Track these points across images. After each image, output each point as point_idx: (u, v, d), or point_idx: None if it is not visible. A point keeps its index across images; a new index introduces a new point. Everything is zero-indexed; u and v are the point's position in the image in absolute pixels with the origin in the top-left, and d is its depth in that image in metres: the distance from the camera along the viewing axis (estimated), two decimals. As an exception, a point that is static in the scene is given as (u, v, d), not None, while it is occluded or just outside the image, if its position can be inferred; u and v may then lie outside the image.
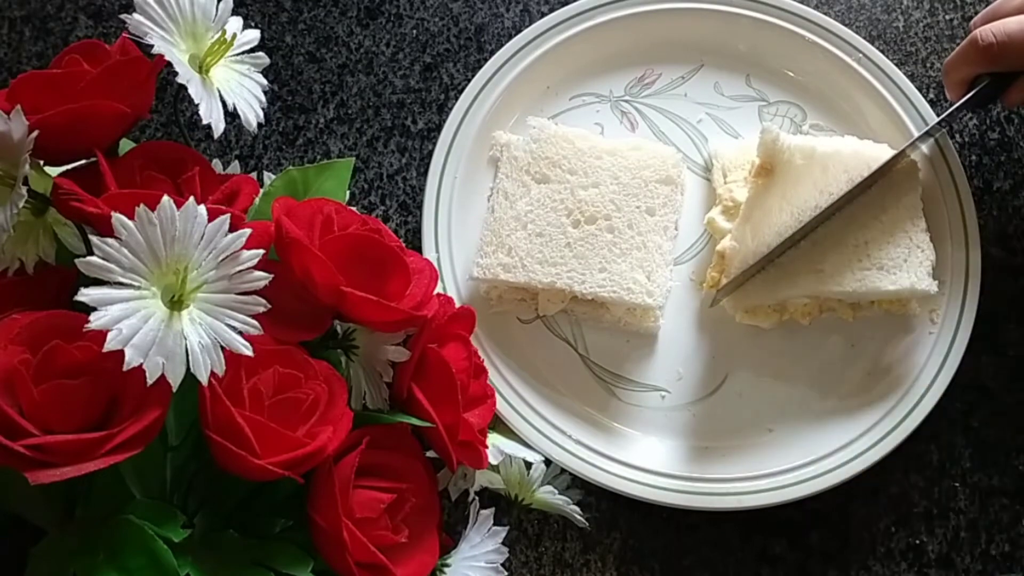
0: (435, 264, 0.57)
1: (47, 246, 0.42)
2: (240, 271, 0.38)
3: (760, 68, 0.68)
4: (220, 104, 0.44)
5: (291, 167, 0.52)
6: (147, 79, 0.44)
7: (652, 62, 0.68)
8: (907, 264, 0.59)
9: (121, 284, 0.36)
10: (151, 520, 0.38)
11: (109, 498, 0.40)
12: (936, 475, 0.60)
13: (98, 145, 0.43)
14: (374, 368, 0.46)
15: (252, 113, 0.46)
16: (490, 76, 0.65)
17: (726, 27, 0.68)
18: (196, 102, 0.43)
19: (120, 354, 0.34)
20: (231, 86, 0.46)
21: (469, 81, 0.65)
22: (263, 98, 0.48)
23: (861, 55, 0.66)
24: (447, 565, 0.46)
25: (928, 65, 0.69)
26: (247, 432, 0.38)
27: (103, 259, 0.35)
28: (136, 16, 0.42)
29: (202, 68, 0.45)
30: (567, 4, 0.67)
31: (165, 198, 0.37)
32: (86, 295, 0.35)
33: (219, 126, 0.44)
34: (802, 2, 0.68)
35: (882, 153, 0.61)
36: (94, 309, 0.35)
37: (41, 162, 0.44)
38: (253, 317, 0.38)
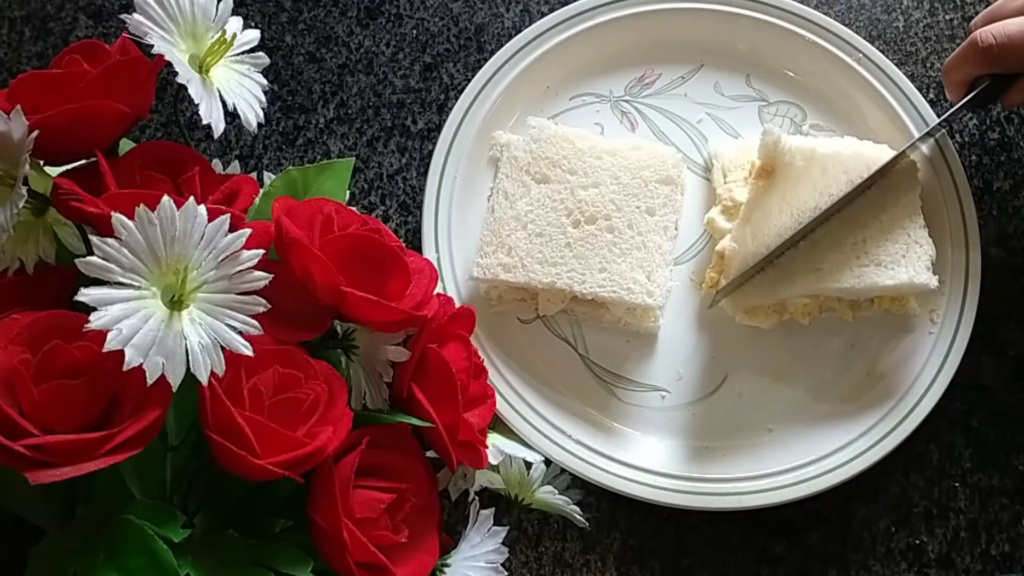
0: (435, 264, 0.57)
1: (47, 246, 0.42)
2: (240, 271, 0.38)
3: (760, 68, 0.68)
4: (220, 104, 0.44)
5: (291, 167, 0.52)
6: (147, 79, 0.44)
7: (652, 62, 0.68)
8: (905, 259, 0.59)
9: (121, 284, 0.36)
10: (151, 520, 0.38)
11: (109, 498, 0.40)
12: (936, 475, 0.60)
13: (98, 145, 0.43)
14: (374, 368, 0.46)
15: (252, 113, 0.46)
16: (490, 76, 0.65)
17: (726, 27, 0.68)
18: (196, 102, 0.43)
19: (120, 354, 0.34)
20: (231, 86, 0.46)
21: (469, 81, 0.65)
22: (263, 98, 0.48)
23: (861, 55, 0.66)
24: (447, 565, 0.46)
25: (928, 65, 0.69)
26: (247, 432, 0.38)
27: (103, 259, 0.35)
28: (136, 16, 0.42)
29: (202, 68, 0.45)
30: (567, 4, 0.67)
31: (165, 198, 0.37)
32: (86, 295, 0.35)
33: (219, 126, 0.44)
34: (802, 2, 0.68)
35: (882, 154, 0.61)
36: (94, 309, 0.35)
37: (41, 162, 0.44)
38: (253, 317, 0.38)
